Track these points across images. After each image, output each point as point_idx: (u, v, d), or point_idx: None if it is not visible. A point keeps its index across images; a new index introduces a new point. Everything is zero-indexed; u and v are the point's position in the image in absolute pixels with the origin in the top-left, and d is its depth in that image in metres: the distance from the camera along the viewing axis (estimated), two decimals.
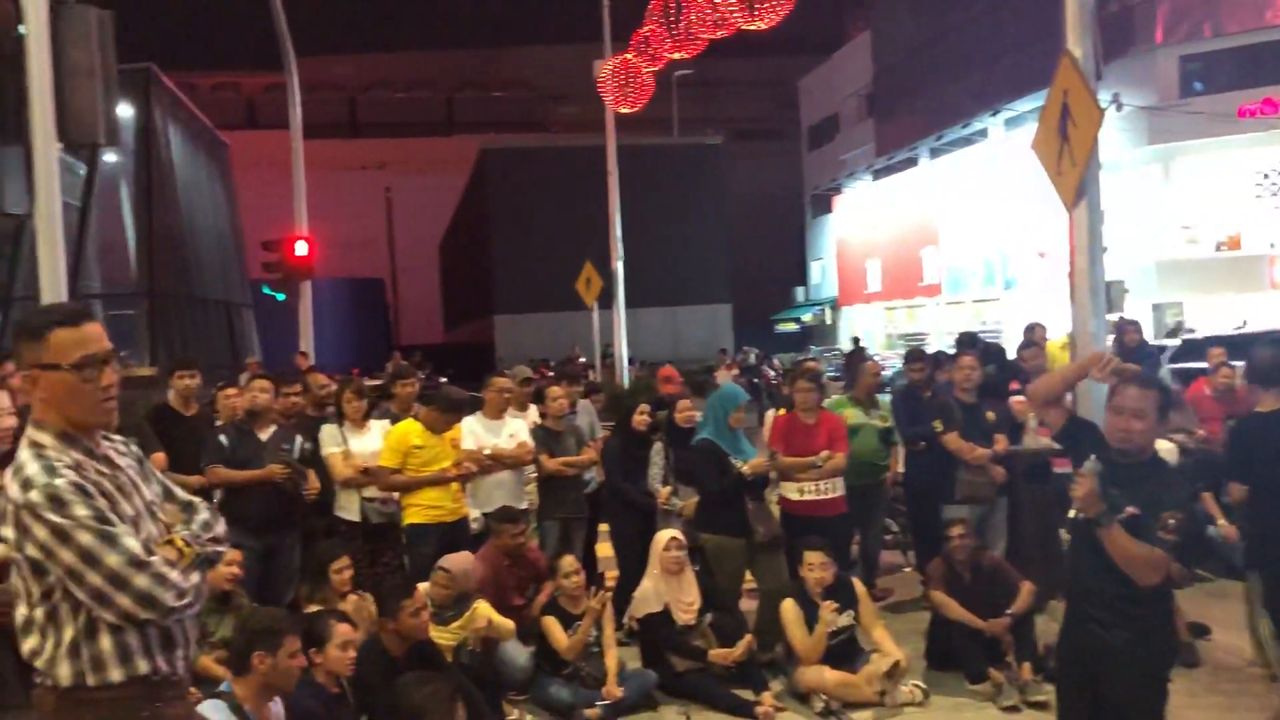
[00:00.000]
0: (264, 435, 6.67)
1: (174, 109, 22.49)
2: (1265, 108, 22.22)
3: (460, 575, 5.90)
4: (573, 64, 28.47)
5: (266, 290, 22.99)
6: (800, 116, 48.53)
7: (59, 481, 2.45)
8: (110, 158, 17.95)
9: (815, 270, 44.95)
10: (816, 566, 6.17)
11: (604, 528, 7.86)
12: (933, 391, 8.09)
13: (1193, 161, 24.05)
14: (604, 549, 7.98)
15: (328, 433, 7.16)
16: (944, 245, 31.91)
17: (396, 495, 6.88)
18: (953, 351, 9.17)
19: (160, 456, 6.17)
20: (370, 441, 7.18)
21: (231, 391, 7.29)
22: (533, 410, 8.10)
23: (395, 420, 7.33)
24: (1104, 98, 7.38)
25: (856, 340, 29.71)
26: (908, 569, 8.85)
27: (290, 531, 6.65)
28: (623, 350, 20.40)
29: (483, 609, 5.91)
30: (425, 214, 54.88)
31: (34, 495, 2.44)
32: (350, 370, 21.59)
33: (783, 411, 7.61)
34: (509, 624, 5.97)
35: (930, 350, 12.94)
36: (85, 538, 2.42)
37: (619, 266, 20.38)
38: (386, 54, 66.41)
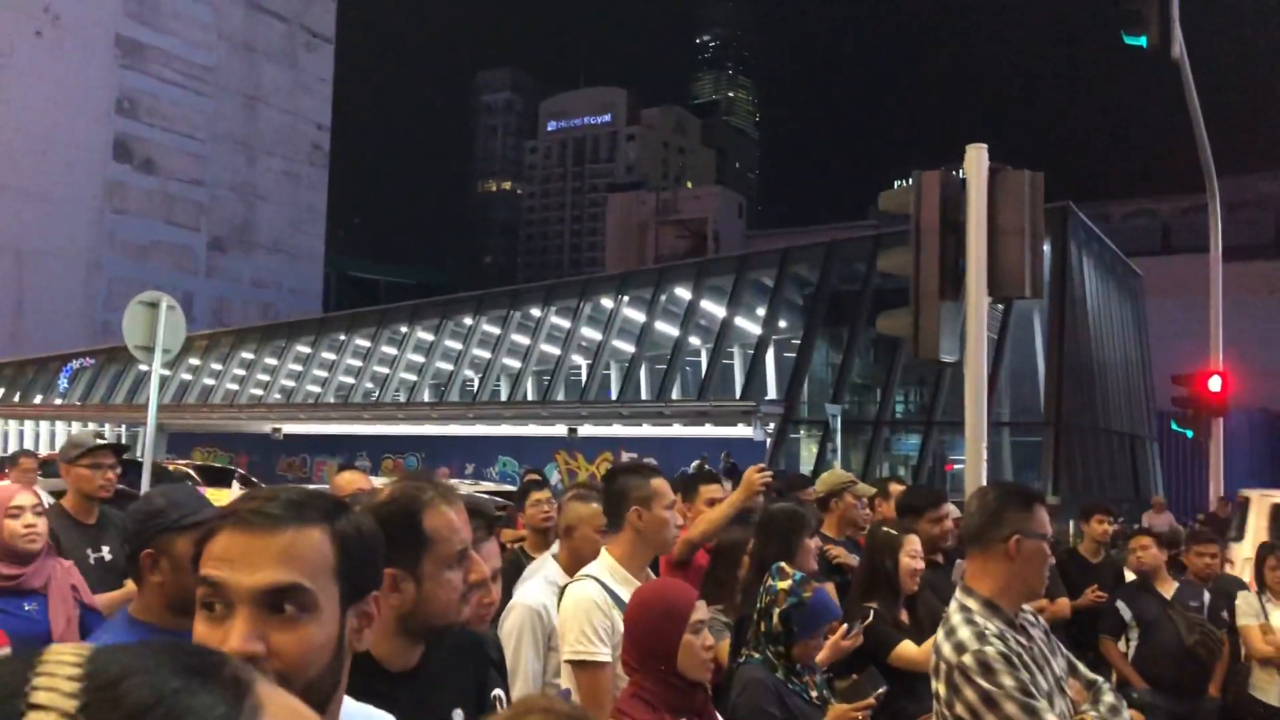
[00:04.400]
0: (1167, 591, 6.33)
1: (1087, 242, 22.99)
2: None
3: None
4: None
5: (1175, 427, 21.97)
6: None
7: (989, 649, 2.62)
8: None
9: None
10: None
11: None
12: None
13: None
14: None
15: (1245, 601, 6.52)
16: None
17: None
18: None
19: (1064, 603, 6.23)
20: None
21: (1143, 543, 6.92)
22: None
23: None
24: None
25: None
26: None
27: (1201, 700, 6.16)
28: None
29: None
30: None
31: (966, 659, 2.63)
32: None
33: None
34: None
35: None
36: (1010, 707, 2.54)
37: None
38: None
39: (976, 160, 6.91)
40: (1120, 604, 6.26)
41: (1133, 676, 6.05)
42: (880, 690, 3.75)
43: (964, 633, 2.70)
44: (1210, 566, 6.85)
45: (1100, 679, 2.94)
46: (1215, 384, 16.89)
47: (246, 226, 74.96)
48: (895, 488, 5.99)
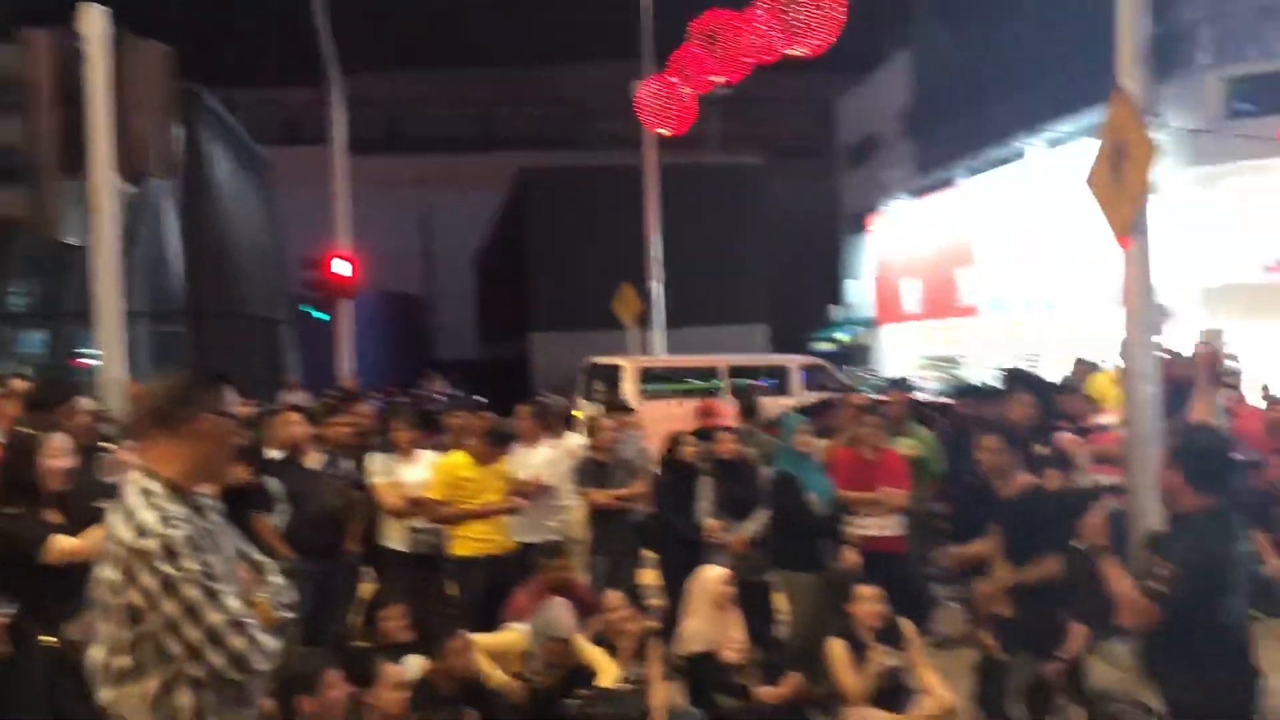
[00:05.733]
0: (312, 463, 6.69)
1: (218, 128, 22.81)
2: None
3: (572, 636, 5.77)
4: (613, 81, 28.50)
5: (304, 309, 23.11)
6: (838, 135, 48.46)
7: (174, 533, 2.50)
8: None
9: (853, 290, 44.87)
10: (867, 600, 6.07)
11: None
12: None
13: (1238, 184, 23.71)
14: (646, 575, 7.94)
15: (375, 462, 7.13)
16: (981, 266, 31.69)
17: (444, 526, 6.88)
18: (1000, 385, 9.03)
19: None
20: (419, 471, 7.15)
21: (290, 419, 7.03)
22: (571, 437, 8.07)
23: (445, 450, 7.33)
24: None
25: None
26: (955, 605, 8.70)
27: (341, 558, 6.66)
28: None
29: (590, 651, 5.81)
30: (464, 230, 55.12)
31: (149, 543, 2.48)
32: (387, 389, 21.69)
33: (832, 442, 7.59)
34: (614, 669, 5.83)
35: (968, 374, 12.83)
36: (192, 591, 2.47)
37: (657, 287, 20.35)
38: (427, 71, 66.98)
39: (95, 23, 6.31)
40: (268, 479, 6.44)
41: (281, 547, 6.29)
42: (9, 610, 3.55)
43: (146, 516, 2.53)
44: (348, 435, 7.35)
45: (267, 560, 3.00)
46: (342, 266, 18.06)
47: None
48: (20, 385, 5.36)
